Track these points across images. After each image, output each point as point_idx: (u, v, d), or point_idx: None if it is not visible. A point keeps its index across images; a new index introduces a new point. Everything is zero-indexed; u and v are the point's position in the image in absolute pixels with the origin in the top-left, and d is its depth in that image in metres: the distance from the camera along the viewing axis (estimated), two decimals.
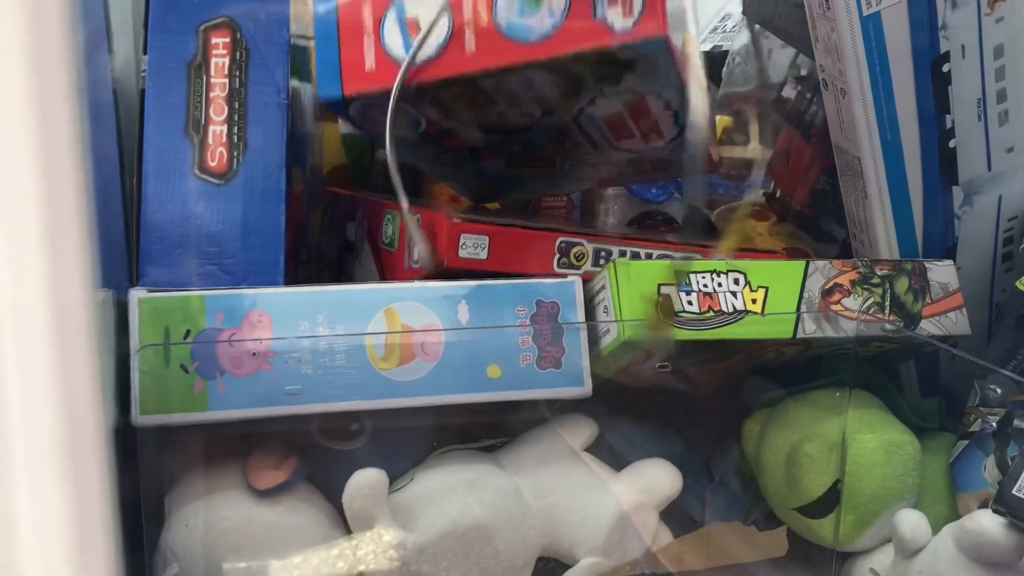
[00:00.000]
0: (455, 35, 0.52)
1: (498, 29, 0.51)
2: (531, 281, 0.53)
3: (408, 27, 0.52)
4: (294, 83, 0.61)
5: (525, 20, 0.51)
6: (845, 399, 0.55)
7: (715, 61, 0.84)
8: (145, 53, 0.55)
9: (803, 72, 0.68)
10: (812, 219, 0.69)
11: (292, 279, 0.58)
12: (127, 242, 0.54)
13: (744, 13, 0.73)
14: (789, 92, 0.71)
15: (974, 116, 0.58)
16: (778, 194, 0.71)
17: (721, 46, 0.82)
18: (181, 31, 0.55)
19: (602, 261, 0.55)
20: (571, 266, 0.55)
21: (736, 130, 0.80)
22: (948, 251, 0.62)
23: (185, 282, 0.53)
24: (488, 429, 0.56)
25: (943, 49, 0.56)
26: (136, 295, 0.49)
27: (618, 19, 0.49)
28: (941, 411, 0.59)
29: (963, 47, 0.57)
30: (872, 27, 0.55)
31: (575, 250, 0.55)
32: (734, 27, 0.82)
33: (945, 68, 0.57)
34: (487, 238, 0.53)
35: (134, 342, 0.48)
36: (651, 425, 0.59)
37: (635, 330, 0.51)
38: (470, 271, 0.53)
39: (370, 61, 0.53)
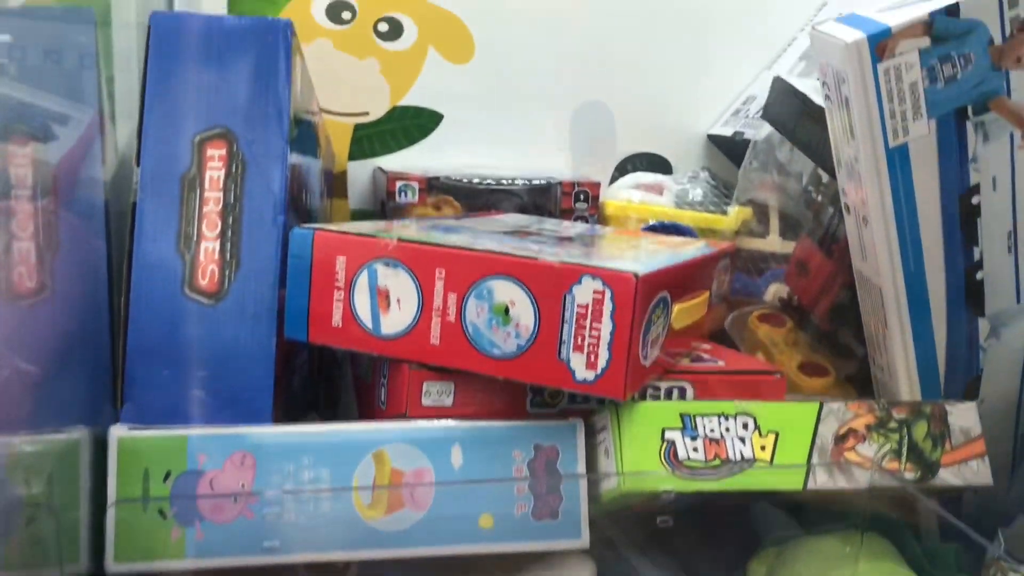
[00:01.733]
0: (422, 319, 0.49)
1: (464, 331, 0.49)
2: (529, 424, 0.51)
3: (378, 295, 0.50)
4: (301, 158, 0.59)
5: (491, 333, 0.48)
6: (856, 551, 0.53)
7: (735, 147, 0.81)
8: (138, 164, 0.53)
9: (824, 180, 0.66)
10: (830, 334, 0.66)
11: (286, 394, 0.56)
12: (112, 361, 0.52)
13: (764, 117, 0.70)
14: (811, 194, 0.68)
15: (1004, 248, 0.56)
16: (795, 301, 0.68)
17: (743, 133, 0.79)
18: (175, 142, 0.53)
19: (579, 399, 0.52)
20: (545, 404, 0.52)
21: (755, 221, 0.78)
22: (972, 382, 0.59)
23: (172, 405, 0.51)
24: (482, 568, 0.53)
25: (973, 181, 0.54)
26: (116, 433, 0.47)
27: (580, 367, 0.47)
28: (958, 559, 0.56)
29: (994, 179, 0.54)
30: (898, 158, 0.52)
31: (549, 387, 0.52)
32: (758, 113, 0.79)
33: (975, 200, 0.54)
34: (452, 384, 0.50)
35: (111, 483, 0.46)
36: (653, 558, 0.56)
37: (637, 482, 0.48)
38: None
39: (337, 318, 0.51)
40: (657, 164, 0.85)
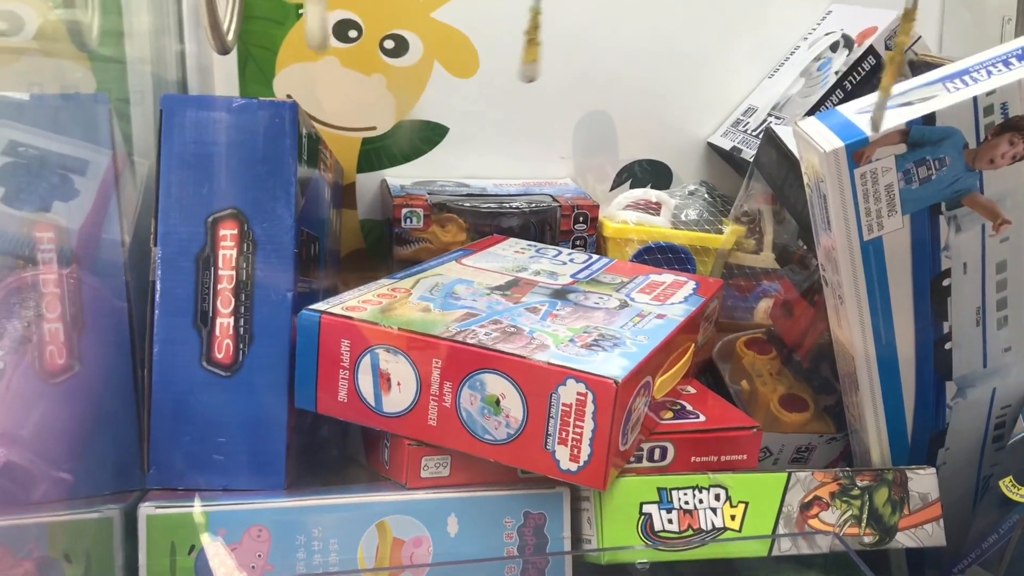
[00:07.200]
0: (420, 402, 0.53)
1: (459, 416, 0.52)
2: (519, 493, 0.55)
3: (380, 377, 0.54)
4: (308, 172, 0.62)
5: (483, 420, 0.52)
6: None
7: (734, 159, 0.83)
8: (155, 244, 0.57)
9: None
10: (811, 371, 0.70)
11: (299, 443, 0.61)
12: (138, 429, 0.57)
13: (755, 165, 0.72)
14: (800, 243, 0.70)
15: (972, 322, 0.59)
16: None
17: (741, 150, 0.81)
18: (189, 223, 0.57)
19: None
20: None
21: (748, 235, 0.80)
22: (938, 436, 0.63)
23: (194, 469, 0.56)
24: None
25: (944, 267, 0.56)
26: (144, 512, 0.52)
27: (564, 458, 0.50)
28: None
29: (965, 264, 0.56)
30: (872, 250, 0.55)
31: None
32: (757, 130, 0.81)
33: (945, 283, 0.57)
34: (448, 457, 0.55)
35: (142, 558, 0.52)
36: None
37: (616, 556, 0.53)
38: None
39: (343, 394, 0.55)
40: (658, 170, 0.88)
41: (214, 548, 0.52)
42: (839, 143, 0.51)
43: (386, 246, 0.82)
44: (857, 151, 0.51)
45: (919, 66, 0.76)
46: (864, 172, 0.52)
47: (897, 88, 0.54)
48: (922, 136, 0.52)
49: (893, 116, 0.52)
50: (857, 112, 0.53)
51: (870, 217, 0.53)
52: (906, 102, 0.52)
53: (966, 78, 0.53)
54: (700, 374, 0.72)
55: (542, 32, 0.42)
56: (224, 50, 0.54)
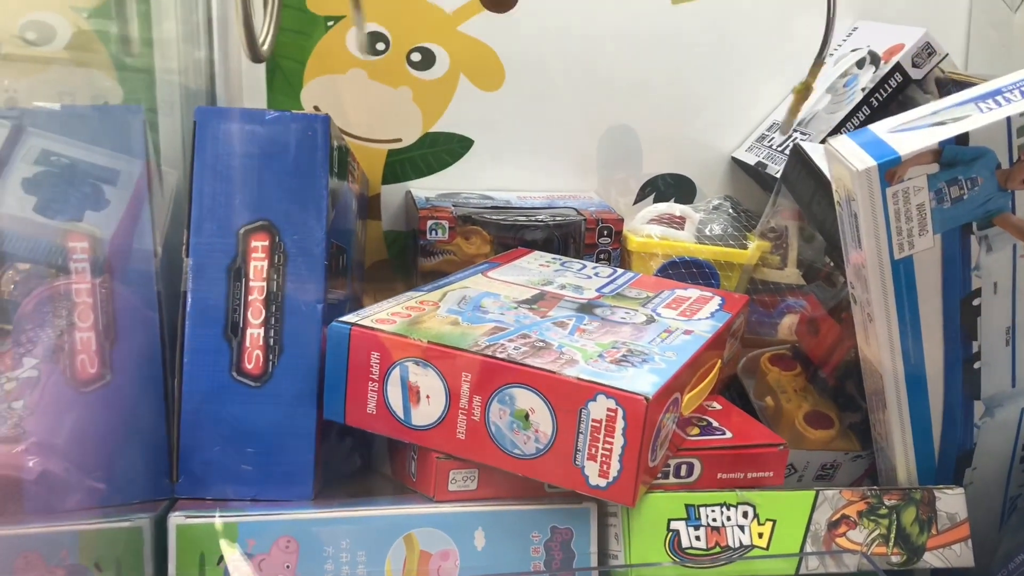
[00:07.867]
0: (449, 415, 0.53)
1: (488, 429, 0.53)
2: (546, 507, 0.55)
3: (409, 390, 0.54)
4: (338, 184, 0.62)
5: (512, 435, 0.52)
6: None
7: (759, 174, 0.83)
8: (187, 255, 0.57)
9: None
10: (836, 388, 0.70)
11: (327, 452, 0.61)
12: (167, 439, 0.57)
13: (782, 181, 0.72)
14: (827, 260, 0.70)
15: (1002, 342, 0.58)
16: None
17: (766, 165, 0.81)
18: (221, 234, 0.57)
19: None
20: None
21: (773, 251, 0.80)
22: (965, 455, 0.62)
23: (223, 479, 0.56)
24: None
25: (975, 286, 0.56)
26: (175, 522, 0.52)
27: (594, 474, 0.51)
28: None
29: (995, 284, 0.56)
30: (903, 269, 0.55)
31: None
32: (782, 145, 0.81)
33: (975, 302, 0.57)
34: (476, 471, 0.55)
35: (172, 567, 0.52)
36: None
37: (643, 573, 0.53)
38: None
39: (371, 406, 0.55)
40: (682, 184, 0.88)
41: (235, 560, 0.52)
42: (871, 162, 0.51)
43: (409, 257, 0.83)
44: (889, 170, 0.51)
45: (946, 84, 0.76)
46: (896, 191, 0.52)
47: (929, 108, 0.54)
48: (954, 156, 0.52)
49: (926, 136, 0.52)
50: (889, 131, 0.53)
51: (901, 236, 0.53)
52: (939, 122, 0.52)
53: (999, 98, 0.53)
54: (724, 389, 0.72)
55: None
56: (258, 58, 0.55)
